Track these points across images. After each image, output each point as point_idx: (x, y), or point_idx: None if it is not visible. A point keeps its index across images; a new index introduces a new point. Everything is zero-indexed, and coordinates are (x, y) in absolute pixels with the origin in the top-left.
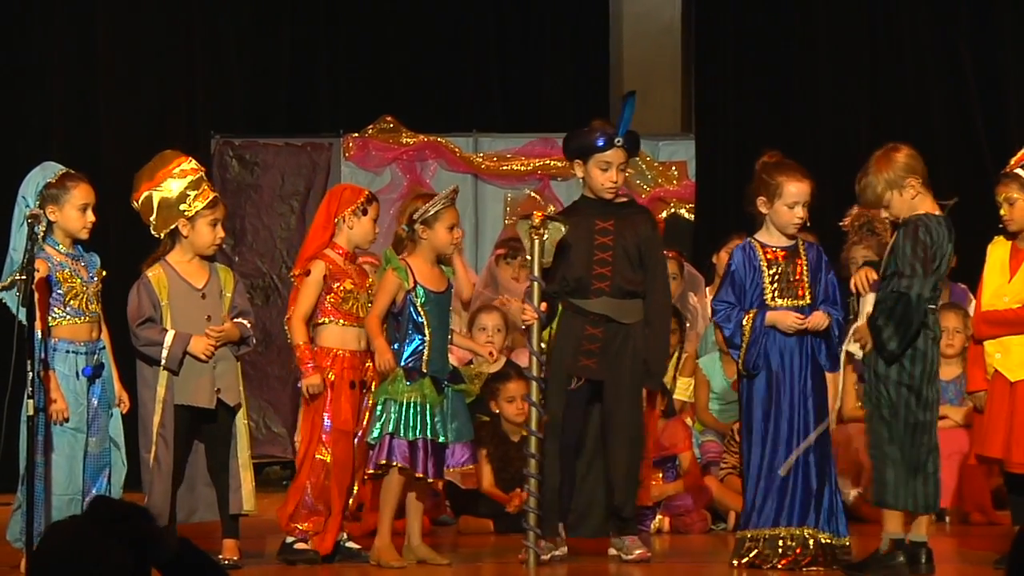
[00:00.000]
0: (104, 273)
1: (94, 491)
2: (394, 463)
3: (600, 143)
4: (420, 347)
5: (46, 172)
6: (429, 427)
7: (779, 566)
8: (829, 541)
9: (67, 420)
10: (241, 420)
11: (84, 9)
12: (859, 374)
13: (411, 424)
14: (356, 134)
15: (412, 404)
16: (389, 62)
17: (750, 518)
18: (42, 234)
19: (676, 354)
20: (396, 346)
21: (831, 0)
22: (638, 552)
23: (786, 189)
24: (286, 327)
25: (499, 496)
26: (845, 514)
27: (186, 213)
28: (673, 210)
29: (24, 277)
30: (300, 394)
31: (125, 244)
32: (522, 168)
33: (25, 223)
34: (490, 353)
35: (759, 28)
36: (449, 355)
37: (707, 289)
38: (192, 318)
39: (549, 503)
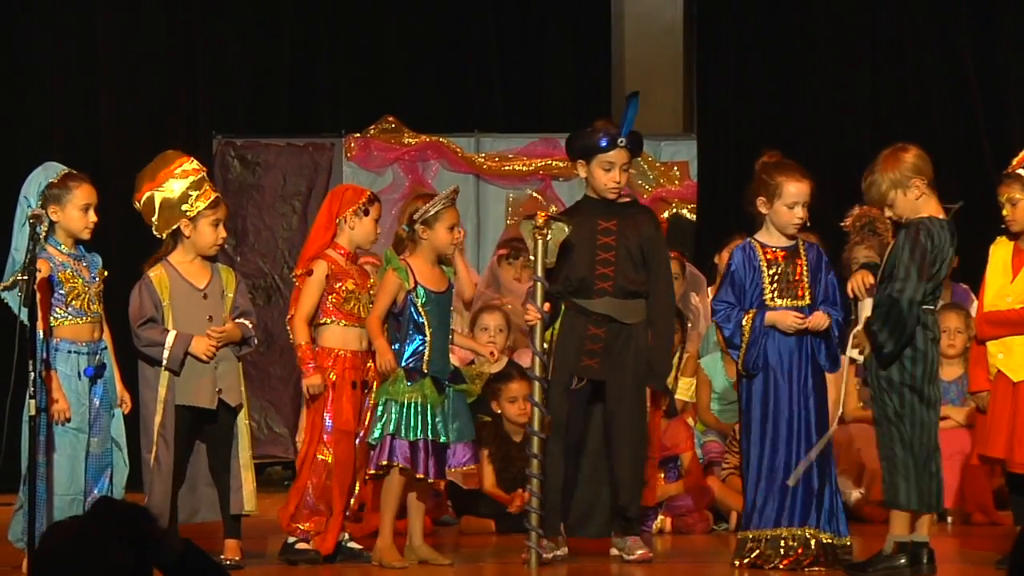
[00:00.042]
0: (106, 273)
1: (96, 491)
2: (395, 463)
3: (603, 143)
4: (421, 347)
5: (48, 172)
6: (430, 427)
7: (781, 566)
8: (830, 541)
9: (69, 420)
10: (242, 420)
11: (85, 9)
12: (862, 378)
13: (412, 424)
14: (358, 134)
15: (413, 404)
16: (391, 62)
17: (751, 519)
18: (44, 234)
19: (678, 354)
20: (397, 346)
21: (832, 0)
22: (640, 552)
23: (786, 189)
24: (288, 327)
25: (501, 496)
26: (845, 514)
27: (188, 213)
28: (675, 210)
29: (26, 277)
30: (302, 394)
31: (127, 244)
32: (524, 168)
33: (27, 223)
34: (491, 353)
35: (761, 28)
36: (451, 355)
37: (709, 289)
38: (194, 318)
39: (551, 503)
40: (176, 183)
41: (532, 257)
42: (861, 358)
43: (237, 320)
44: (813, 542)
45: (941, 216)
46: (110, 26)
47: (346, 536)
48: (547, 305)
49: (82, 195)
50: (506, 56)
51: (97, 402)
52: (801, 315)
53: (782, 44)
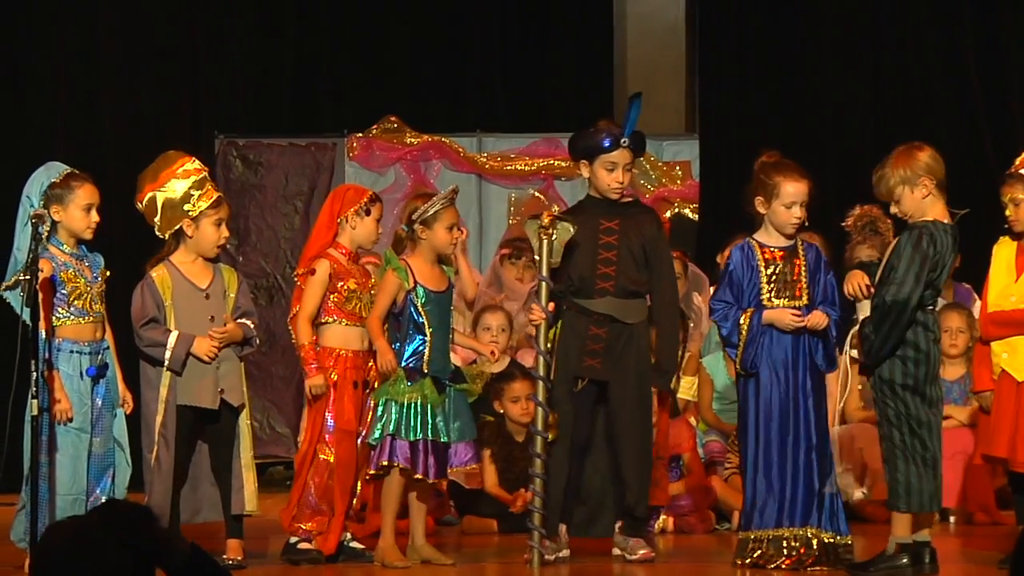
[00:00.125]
0: (108, 273)
1: (98, 491)
2: (395, 464)
3: (606, 144)
4: (421, 347)
5: (50, 172)
6: (430, 427)
7: (783, 566)
8: (832, 540)
9: (71, 420)
10: (244, 420)
11: (87, 9)
12: (865, 375)
13: (412, 425)
14: (360, 134)
15: (413, 405)
16: (393, 62)
17: (751, 519)
18: (46, 234)
19: (679, 353)
20: (397, 346)
21: (835, 0)
22: (642, 552)
23: (783, 189)
24: (290, 326)
25: (503, 496)
26: (846, 513)
27: (190, 213)
28: (677, 210)
29: (28, 277)
30: (304, 394)
31: (129, 244)
32: (526, 168)
33: (29, 223)
34: (492, 352)
35: (763, 28)
36: (453, 355)
37: (711, 289)
38: (196, 318)
39: (554, 504)
40: (178, 183)
41: (537, 257)
42: (861, 358)
43: (239, 320)
44: (815, 542)
45: (946, 220)
46: (112, 26)
47: (348, 536)
48: (551, 305)
49: (84, 195)
50: (508, 56)
51: (99, 402)
52: (799, 313)
53: (784, 44)
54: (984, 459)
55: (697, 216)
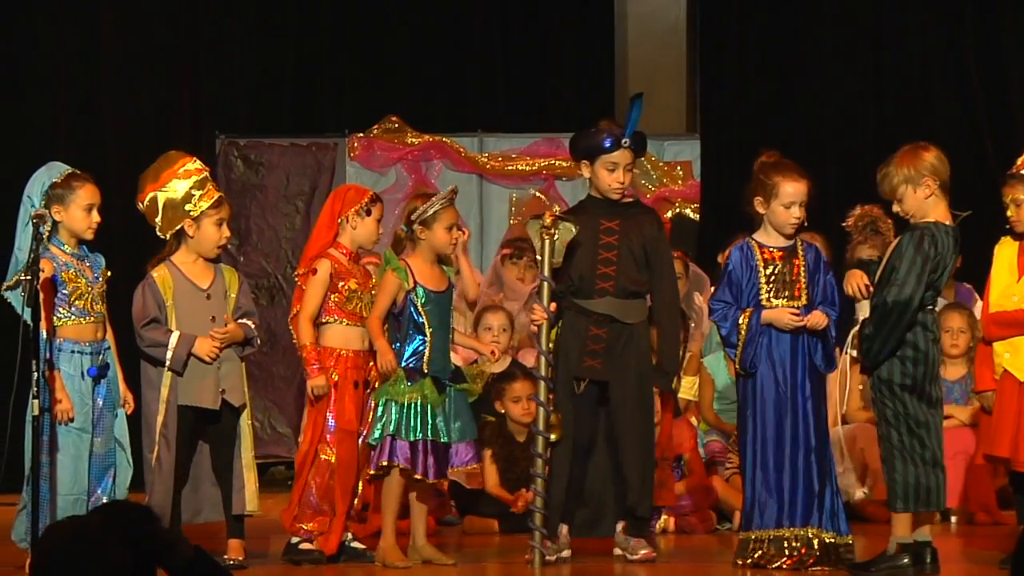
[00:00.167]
0: (109, 273)
1: (99, 491)
2: (395, 464)
3: (607, 144)
4: (421, 347)
5: (52, 172)
6: (430, 427)
7: (784, 566)
8: (833, 540)
9: (72, 420)
10: (245, 420)
11: (88, 9)
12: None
13: (412, 425)
14: (361, 134)
15: (413, 405)
16: (394, 62)
17: (751, 519)
18: (47, 234)
19: (680, 354)
20: (397, 346)
21: (835, 0)
22: (643, 552)
23: (782, 189)
24: (290, 326)
25: (504, 496)
26: (846, 513)
27: (191, 213)
28: (678, 210)
29: (29, 277)
30: (306, 394)
31: (130, 244)
32: (527, 168)
33: (30, 223)
34: (492, 352)
35: (764, 28)
36: (454, 355)
37: (712, 288)
38: (197, 319)
39: (555, 505)
40: (179, 183)
41: (539, 257)
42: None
43: (240, 320)
44: (816, 542)
45: (947, 221)
46: (113, 26)
47: (349, 536)
48: (553, 305)
49: (85, 195)
50: (509, 56)
51: (100, 402)
52: (797, 313)
53: (785, 44)
54: (986, 459)
55: (698, 216)
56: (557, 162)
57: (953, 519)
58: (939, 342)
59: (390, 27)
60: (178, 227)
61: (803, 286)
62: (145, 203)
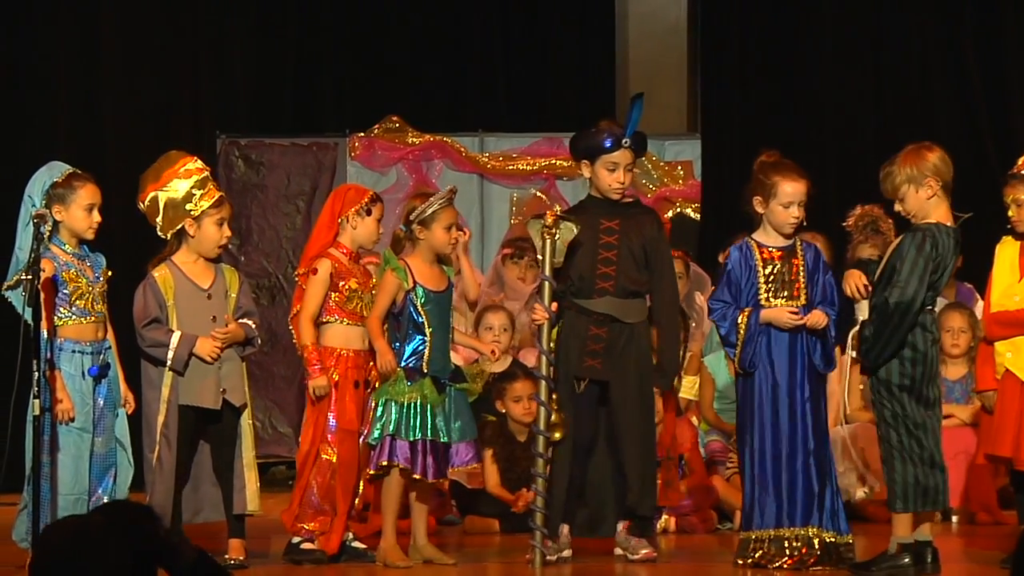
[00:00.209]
0: (110, 273)
1: (100, 491)
2: (395, 464)
3: (608, 144)
4: (421, 347)
5: (52, 172)
6: (430, 427)
7: (785, 566)
8: (833, 540)
9: (73, 420)
10: (246, 420)
11: (89, 9)
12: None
13: (412, 425)
14: (362, 134)
15: (413, 405)
16: (395, 62)
17: (751, 519)
18: (48, 234)
19: (680, 353)
20: (397, 346)
21: (836, 0)
22: (644, 552)
23: (781, 189)
24: (291, 326)
25: (505, 496)
26: (847, 513)
27: (192, 213)
28: (679, 210)
29: (30, 277)
30: (306, 394)
31: (131, 244)
32: (528, 168)
33: (31, 222)
34: (492, 352)
35: (765, 28)
36: (455, 354)
37: (712, 288)
38: (198, 319)
39: (556, 505)
40: (180, 183)
41: (540, 256)
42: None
43: (240, 320)
44: (816, 541)
45: (949, 223)
46: (114, 26)
47: (350, 536)
48: (555, 305)
49: (86, 195)
50: (510, 56)
51: (101, 402)
52: (796, 311)
53: (786, 44)
54: (987, 458)
55: (699, 216)
56: (558, 162)
57: (954, 519)
58: (938, 343)
59: (391, 27)
60: (179, 227)
61: (802, 286)
62: (146, 203)
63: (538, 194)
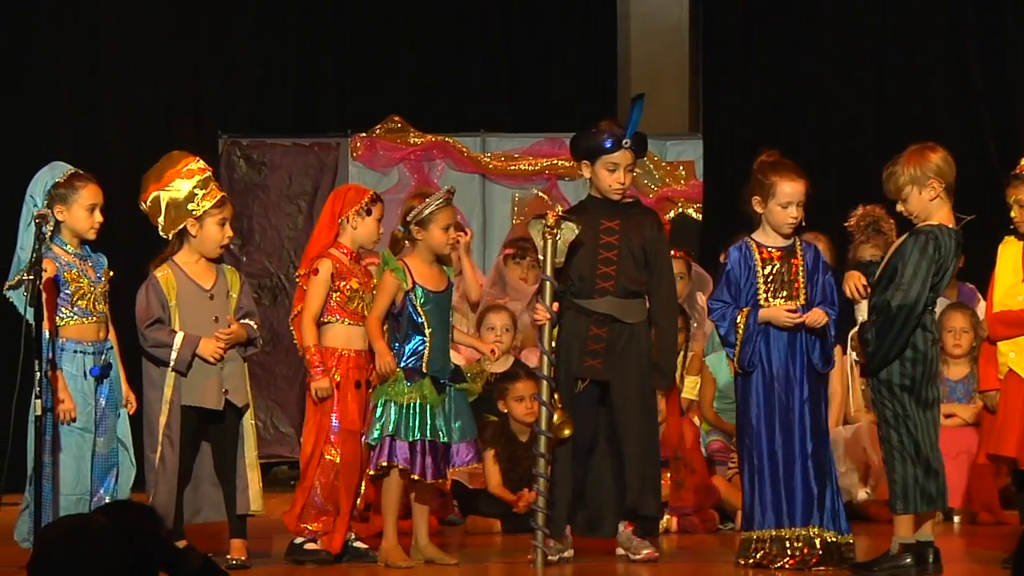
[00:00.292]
0: (112, 273)
1: (101, 491)
2: (395, 464)
3: (608, 144)
4: (420, 347)
5: (54, 172)
6: (429, 427)
7: (787, 566)
8: (835, 540)
9: (75, 420)
10: (248, 420)
11: (90, 9)
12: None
13: (411, 425)
14: (364, 134)
15: (412, 405)
16: (397, 62)
17: (752, 519)
18: (50, 234)
19: (682, 353)
20: (396, 346)
21: (838, 0)
22: (646, 552)
23: (780, 189)
24: (291, 326)
25: (507, 496)
26: (849, 513)
27: (194, 212)
28: (681, 210)
29: (32, 277)
30: (307, 394)
31: (132, 244)
32: (530, 168)
33: (33, 223)
34: (492, 351)
35: (767, 28)
36: (457, 355)
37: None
38: (200, 319)
39: (560, 506)
40: (182, 183)
41: (541, 257)
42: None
43: (242, 321)
44: (818, 541)
45: (951, 224)
46: (115, 25)
47: (352, 536)
48: (556, 304)
49: (88, 195)
50: (512, 56)
51: (103, 402)
52: (795, 310)
53: (787, 43)
54: (989, 458)
55: (700, 216)
56: (560, 162)
57: (956, 519)
58: (938, 343)
59: (393, 27)
60: (181, 227)
61: (801, 286)
62: (148, 203)
63: (540, 194)
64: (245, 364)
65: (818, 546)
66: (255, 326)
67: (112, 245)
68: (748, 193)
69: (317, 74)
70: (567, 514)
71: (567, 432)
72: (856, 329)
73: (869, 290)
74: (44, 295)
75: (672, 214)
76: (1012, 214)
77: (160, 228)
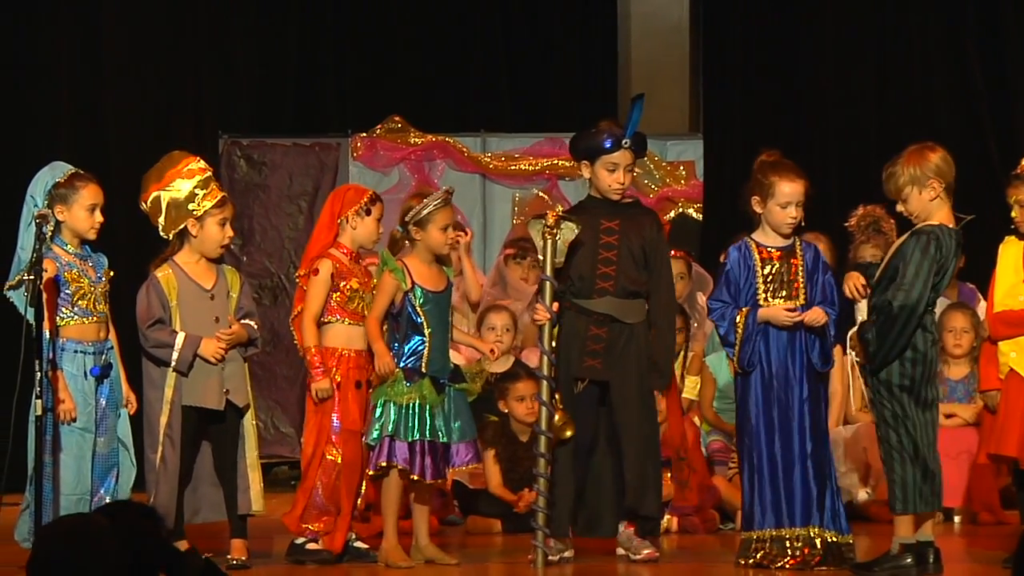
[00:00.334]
0: (112, 273)
1: (102, 491)
2: (394, 464)
3: (607, 144)
4: (419, 347)
5: (55, 172)
6: (429, 428)
7: (788, 566)
8: (835, 540)
9: (75, 420)
10: (249, 421)
11: (90, 9)
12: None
13: (410, 425)
14: (364, 134)
15: (411, 405)
16: (397, 62)
17: (752, 519)
18: (50, 234)
19: (682, 353)
20: (396, 347)
21: (838, 1)
22: (646, 552)
23: (779, 189)
24: (292, 327)
25: (507, 496)
26: (849, 513)
27: (195, 212)
28: (681, 210)
29: (32, 277)
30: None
31: (133, 244)
32: (530, 168)
33: (33, 223)
34: (491, 351)
35: (767, 28)
36: (457, 354)
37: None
38: (201, 319)
39: (562, 506)
40: (183, 183)
41: (541, 257)
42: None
43: (242, 321)
44: (818, 541)
45: (951, 224)
46: (115, 25)
47: (353, 536)
48: (556, 304)
49: (88, 195)
50: (513, 56)
51: (103, 402)
52: (794, 309)
53: (788, 43)
54: (990, 458)
55: (701, 216)
56: (560, 162)
57: (956, 519)
58: (938, 343)
59: (393, 27)
60: (181, 227)
61: (801, 285)
62: (148, 203)
63: (540, 194)
64: (246, 364)
65: (819, 546)
66: (255, 326)
67: (112, 245)
68: (748, 193)
69: (317, 74)
70: (569, 514)
71: (568, 433)
72: (856, 329)
73: (868, 290)
74: (44, 295)
75: (672, 214)
76: (1012, 214)
77: (160, 228)
